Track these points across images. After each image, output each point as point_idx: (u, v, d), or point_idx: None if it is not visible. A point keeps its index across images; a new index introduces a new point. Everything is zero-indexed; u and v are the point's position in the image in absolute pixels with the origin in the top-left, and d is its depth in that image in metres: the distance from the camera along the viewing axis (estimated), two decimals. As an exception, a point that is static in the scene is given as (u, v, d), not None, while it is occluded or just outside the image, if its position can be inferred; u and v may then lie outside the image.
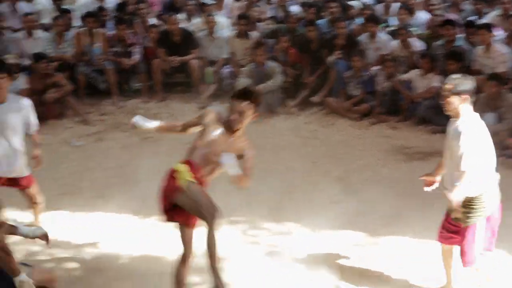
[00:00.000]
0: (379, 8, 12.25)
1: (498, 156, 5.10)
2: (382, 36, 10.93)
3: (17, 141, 6.22)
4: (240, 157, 5.02)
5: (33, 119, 6.43)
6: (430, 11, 11.68)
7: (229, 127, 5.09)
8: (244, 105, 5.04)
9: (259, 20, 12.31)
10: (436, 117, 9.33)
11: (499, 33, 10.38)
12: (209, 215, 4.77)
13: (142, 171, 7.93)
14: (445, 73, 9.15)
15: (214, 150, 5.00)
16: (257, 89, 5.00)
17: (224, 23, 11.93)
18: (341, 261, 6.12)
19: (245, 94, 5.10)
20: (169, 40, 11.06)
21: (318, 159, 8.76)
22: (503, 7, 11.07)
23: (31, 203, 6.52)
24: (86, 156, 8.79)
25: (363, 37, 10.89)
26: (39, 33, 11.13)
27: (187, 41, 11.12)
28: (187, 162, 4.99)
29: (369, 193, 7.56)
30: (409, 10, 11.45)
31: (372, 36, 10.78)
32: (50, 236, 4.97)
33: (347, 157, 8.81)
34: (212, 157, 4.98)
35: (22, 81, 9.87)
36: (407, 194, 7.33)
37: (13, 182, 6.31)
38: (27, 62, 10.63)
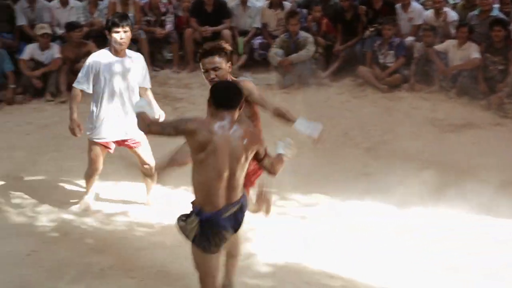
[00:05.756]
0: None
1: None
2: (416, 5, 10.76)
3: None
4: None
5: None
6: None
7: None
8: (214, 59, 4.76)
9: (292, -10, 12.18)
10: (473, 89, 9.30)
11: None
12: None
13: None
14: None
15: None
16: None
17: (257, -8, 11.84)
18: (369, 233, 6.08)
19: (211, 50, 4.80)
20: (201, 10, 11.02)
21: (349, 131, 8.70)
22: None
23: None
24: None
25: (397, 7, 10.73)
26: (73, 2, 11.13)
27: (220, 11, 11.06)
28: None
29: (400, 166, 7.48)
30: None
31: (406, 5, 10.60)
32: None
33: (378, 129, 8.74)
34: None
35: (55, 50, 9.96)
36: (440, 167, 7.25)
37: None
38: (60, 31, 10.70)
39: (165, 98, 9.80)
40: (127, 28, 6.03)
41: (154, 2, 10.94)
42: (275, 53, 10.27)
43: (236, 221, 4.28)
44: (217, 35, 10.96)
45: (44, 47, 9.96)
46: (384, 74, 10.09)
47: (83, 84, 6.07)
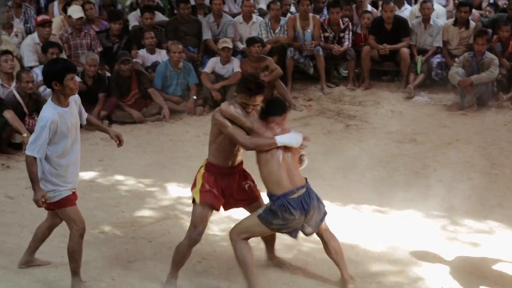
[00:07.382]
0: None
1: None
2: None
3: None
4: None
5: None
6: None
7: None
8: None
9: (477, 8, 11.80)
10: None
11: None
12: None
13: (346, 158, 8.01)
14: None
15: None
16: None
17: (439, 10, 11.56)
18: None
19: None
20: (381, 27, 10.94)
21: (530, 157, 8.29)
22: None
23: None
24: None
25: None
26: (255, 18, 11.44)
27: (399, 29, 10.92)
28: None
29: None
30: None
31: None
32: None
33: None
34: None
35: (235, 64, 10.29)
36: None
37: None
38: (242, 46, 11.05)
39: (338, 115, 9.84)
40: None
41: (334, 19, 10.99)
42: (456, 72, 9.95)
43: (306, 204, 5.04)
44: (395, 53, 10.86)
45: (225, 61, 10.31)
46: None
47: None
